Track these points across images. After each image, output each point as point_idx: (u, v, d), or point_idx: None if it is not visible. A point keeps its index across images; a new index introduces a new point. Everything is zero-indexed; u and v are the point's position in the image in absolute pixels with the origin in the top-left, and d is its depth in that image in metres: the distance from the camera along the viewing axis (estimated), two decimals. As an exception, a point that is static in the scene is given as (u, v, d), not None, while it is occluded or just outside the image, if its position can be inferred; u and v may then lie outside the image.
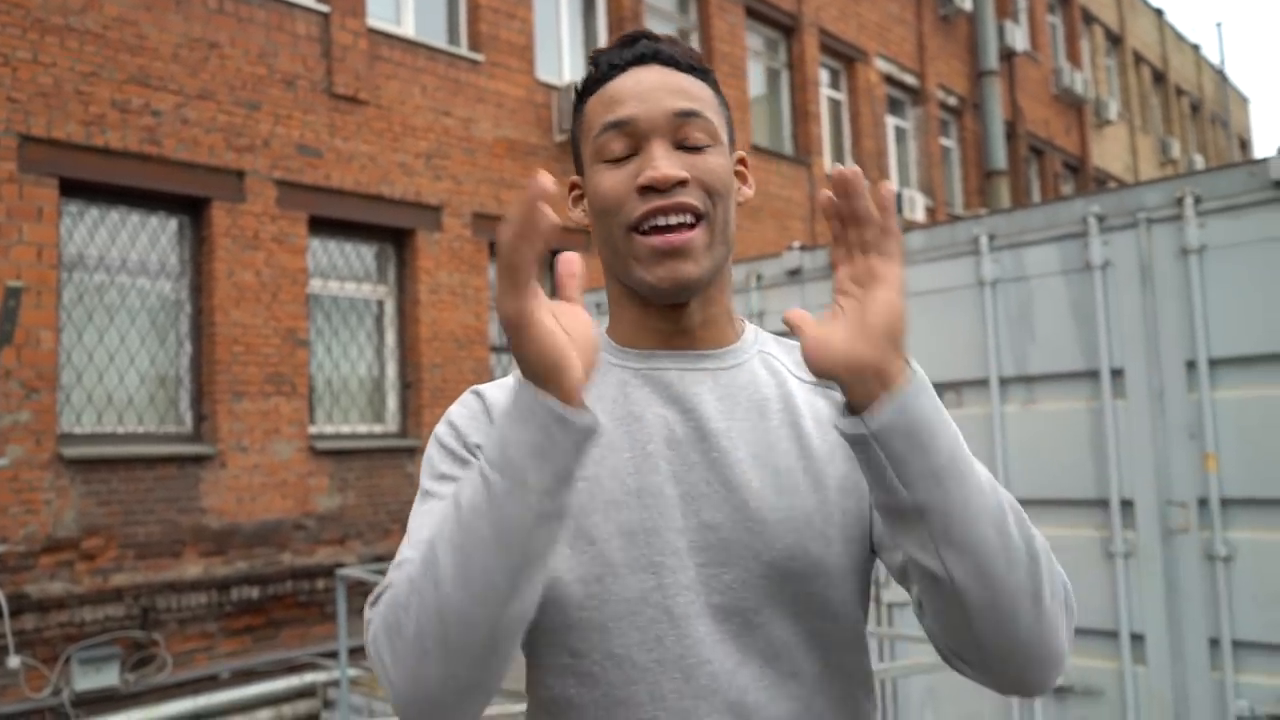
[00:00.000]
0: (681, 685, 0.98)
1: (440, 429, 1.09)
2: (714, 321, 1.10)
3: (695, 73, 1.08)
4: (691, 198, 1.02)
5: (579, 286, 0.89)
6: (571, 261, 0.88)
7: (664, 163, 1.01)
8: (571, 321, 0.87)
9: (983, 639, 0.88)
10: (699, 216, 1.03)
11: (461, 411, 1.09)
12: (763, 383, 1.09)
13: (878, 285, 0.87)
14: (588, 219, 1.11)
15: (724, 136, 1.08)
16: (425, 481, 1.05)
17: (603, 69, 1.09)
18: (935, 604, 0.91)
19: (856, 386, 0.86)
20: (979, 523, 0.86)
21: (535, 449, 0.83)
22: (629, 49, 1.08)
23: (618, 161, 1.05)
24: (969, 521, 0.85)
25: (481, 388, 1.12)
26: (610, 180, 1.04)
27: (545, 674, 1.04)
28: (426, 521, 0.97)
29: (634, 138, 1.04)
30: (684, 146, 1.04)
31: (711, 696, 0.97)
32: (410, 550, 0.94)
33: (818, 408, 1.09)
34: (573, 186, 1.15)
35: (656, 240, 1.02)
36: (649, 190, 1.02)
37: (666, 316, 1.08)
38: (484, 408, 1.08)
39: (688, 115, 1.04)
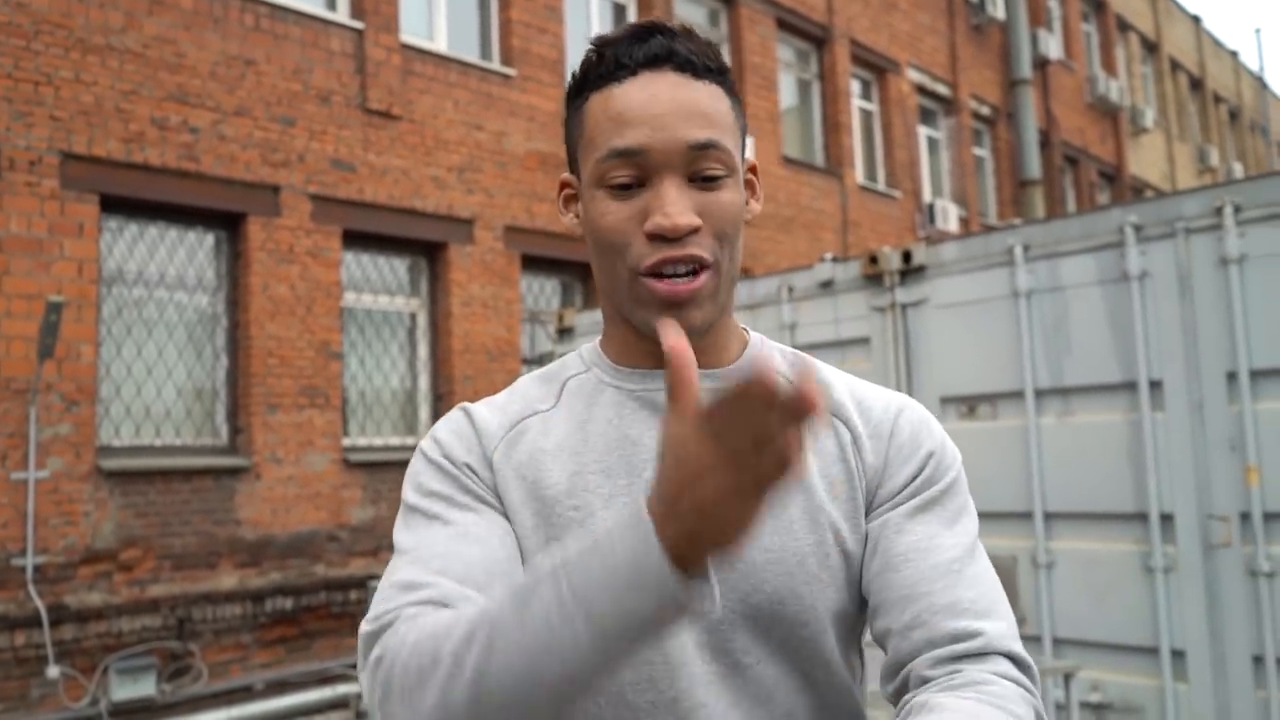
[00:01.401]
0: None
1: (426, 444, 1.03)
2: (714, 344, 1.04)
3: (711, 75, 0.98)
4: (702, 248, 0.95)
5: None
6: (684, 353, 0.74)
7: (676, 209, 0.93)
8: None
9: None
10: (705, 266, 0.97)
11: (449, 429, 1.04)
12: None
13: None
14: (582, 230, 1.03)
15: (737, 161, 0.99)
16: (413, 497, 0.99)
17: (608, 64, 0.97)
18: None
19: None
20: None
21: (646, 621, 0.76)
22: (640, 45, 0.96)
23: (622, 190, 0.96)
24: None
25: (471, 406, 1.06)
26: (615, 215, 0.96)
27: None
28: (430, 541, 0.94)
29: (643, 169, 0.95)
30: (697, 178, 0.96)
31: None
32: (419, 574, 0.90)
33: (822, 440, 1.03)
34: (564, 186, 1.06)
35: (663, 289, 0.95)
36: (658, 237, 0.95)
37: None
38: (473, 430, 1.03)
39: (705, 147, 0.95)
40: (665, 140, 0.94)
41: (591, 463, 1.00)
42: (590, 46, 1.00)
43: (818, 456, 1.02)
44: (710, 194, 0.96)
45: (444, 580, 0.90)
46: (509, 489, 0.99)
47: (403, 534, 0.98)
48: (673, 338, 0.73)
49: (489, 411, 1.05)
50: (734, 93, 1.02)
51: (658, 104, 0.94)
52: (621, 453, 1.00)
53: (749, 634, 0.96)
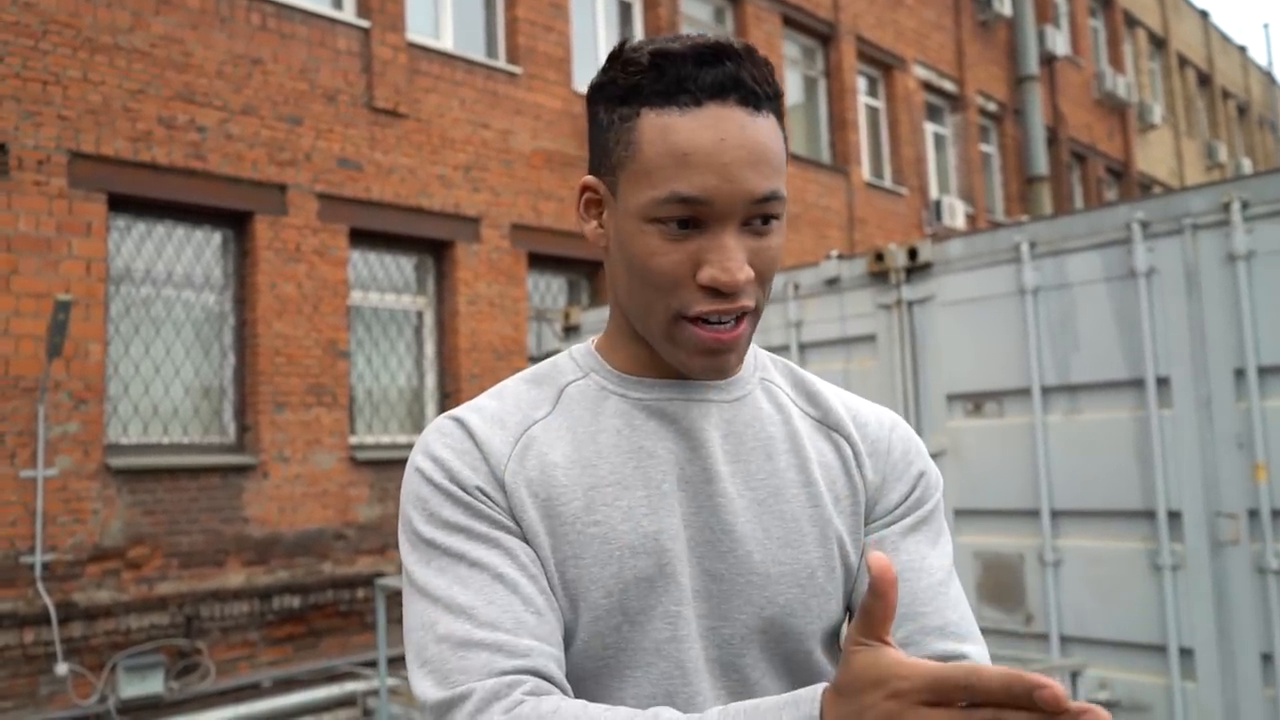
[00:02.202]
0: None
1: (425, 464, 0.97)
2: None
3: (769, 104, 0.94)
4: (750, 298, 0.94)
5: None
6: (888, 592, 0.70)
7: (735, 263, 0.91)
8: None
9: None
10: (748, 313, 0.96)
11: (447, 445, 0.97)
12: (768, 419, 1.03)
13: None
14: (605, 241, 0.99)
15: (785, 197, 0.96)
16: (427, 529, 0.94)
17: (668, 82, 0.91)
18: None
19: None
20: None
21: None
22: (707, 70, 0.91)
23: (676, 230, 0.92)
24: None
25: (463, 417, 1.00)
26: (667, 258, 0.92)
27: None
28: (463, 587, 0.90)
29: (702, 214, 0.91)
30: (751, 222, 0.93)
31: None
32: (472, 630, 0.88)
33: (823, 452, 1.04)
34: (585, 189, 1.01)
35: (709, 337, 0.94)
36: (712, 289, 0.92)
37: None
38: (475, 446, 0.97)
39: (767, 199, 0.92)
40: (731, 191, 0.90)
41: (607, 475, 0.97)
42: (644, 51, 0.93)
43: (824, 469, 1.03)
44: (761, 240, 0.94)
45: (501, 635, 0.88)
46: (524, 510, 0.95)
47: (426, 573, 0.93)
48: (880, 564, 0.69)
49: (485, 424, 0.99)
50: (783, 116, 0.98)
51: (726, 150, 0.90)
52: (637, 464, 0.98)
53: (759, 648, 0.97)
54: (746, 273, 0.92)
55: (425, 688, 0.88)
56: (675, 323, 0.94)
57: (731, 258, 0.91)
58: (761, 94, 0.92)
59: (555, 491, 0.96)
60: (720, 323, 0.94)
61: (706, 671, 0.95)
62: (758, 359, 1.09)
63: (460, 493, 0.95)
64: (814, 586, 0.98)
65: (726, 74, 0.91)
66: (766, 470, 1.00)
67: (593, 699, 0.94)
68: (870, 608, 0.70)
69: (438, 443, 0.98)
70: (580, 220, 1.02)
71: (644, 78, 0.92)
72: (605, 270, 1.04)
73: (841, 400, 1.09)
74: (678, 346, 0.95)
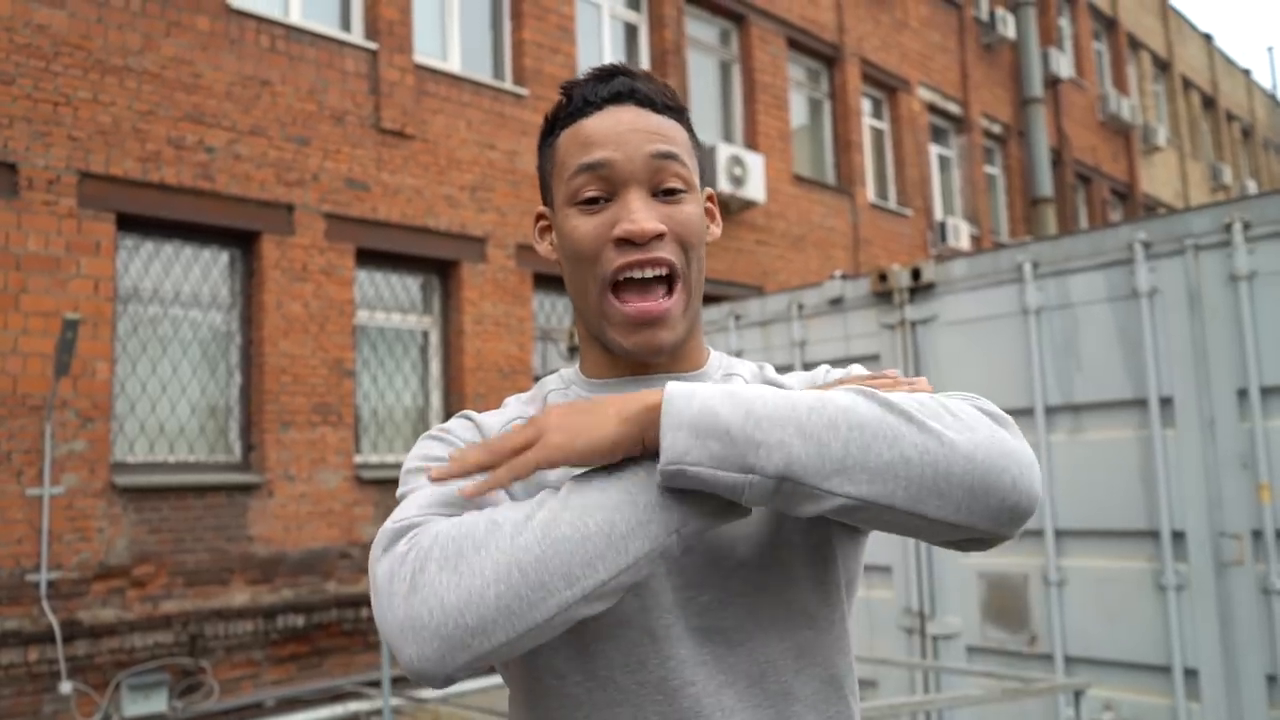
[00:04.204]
0: (665, 708, 0.98)
1: (429, 432, 1.11)
2: (683, 355, 1.12)
3: (670, 112, 1.08)
4: (667, 252, 1.04)
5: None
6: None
7: (641, 214, 1.02)
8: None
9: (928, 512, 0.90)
10: (673, 274, 1.05)
11: (454, 423, 1.13)
12: None
13: None
14: (556, 254, 1.13)
15: (696, 180, 1.09)
16: (414, 462, 1.05)
17: (576, 103, 1.08)
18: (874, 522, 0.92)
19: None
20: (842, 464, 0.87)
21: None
22: (604, 85, 1.08)
23: (592, 205, 1.05)
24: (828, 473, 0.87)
25: (473, 413, 1.16)
26: (585, 227, 1.05)
27: (527, 694, 1.04)
28: (437, 486, 0.97)
29: (609, 182, 1.04)
30: (660, 192, 1.05)
31: (695, 719, 0.97)
32: (438, 496, 0.95)
33: None
34: (539, 218, 1.16)
35: (632, 310, 1.03)
36: (625, 243, 1.03)
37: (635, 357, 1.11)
38: (477, 428, 1.13)
39: (665, 158, 1.04)
40: (628, 153, 1.04)
41: None
42: (560, 91, 1.11)
43: None
44: (673, 206, 1.05)
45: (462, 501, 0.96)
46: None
47: (405, 488, 1.02)
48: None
49: (487, 417, 1.15)
50: (692, 131, 1.12)
51: (621, 125, 1.05)
52: None
53: (741, 609, 1.01)
54: (655, 224, 1.02)
55: (385, 525, 0.95)
56: (604, 297, 1.05)
57: (638, 211, 1.02)
58: (659, 102, 1.08)
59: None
60: (643, 281, 1.02)
61: (689, 639, 0.99)
62: (725, 361, 1.18)
63: (455, 441, 1.08)
64: (779, 539, 1.03)
65: (621, 85, 1.07)
66: None
67: (569, 669, 1.00)
68: None
69: (449, 423, 1.14)
70: (536, 243, 1.17)
71: (560, 109, 1.10)
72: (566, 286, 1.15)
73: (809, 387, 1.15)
74: (610, 324, 1.06)
